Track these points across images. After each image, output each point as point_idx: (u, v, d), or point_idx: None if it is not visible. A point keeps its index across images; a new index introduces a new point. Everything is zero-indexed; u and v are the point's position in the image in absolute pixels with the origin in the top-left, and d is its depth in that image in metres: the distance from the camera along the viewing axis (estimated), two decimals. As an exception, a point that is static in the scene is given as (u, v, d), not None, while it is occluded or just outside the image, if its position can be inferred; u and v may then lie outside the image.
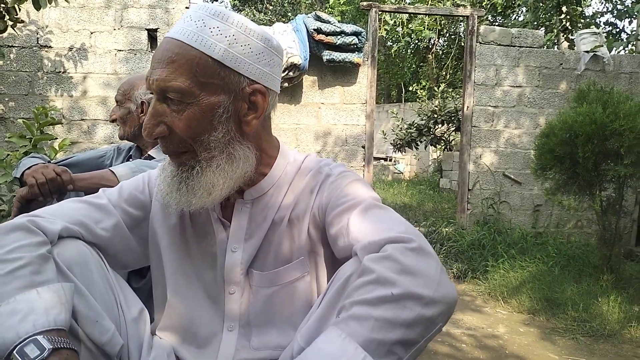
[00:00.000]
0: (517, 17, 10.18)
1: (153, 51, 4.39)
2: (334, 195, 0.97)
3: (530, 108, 5.17)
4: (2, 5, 3.59)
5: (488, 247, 4.53)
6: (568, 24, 7.51)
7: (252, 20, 17.42)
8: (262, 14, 20.16)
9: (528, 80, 5.15)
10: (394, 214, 0.91)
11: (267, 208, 1.02)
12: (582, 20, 7.47)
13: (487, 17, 8.29)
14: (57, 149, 3.20)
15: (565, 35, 7.73)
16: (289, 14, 18.95)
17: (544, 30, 8.44)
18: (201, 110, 0.90)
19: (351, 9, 12.21)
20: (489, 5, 8.13)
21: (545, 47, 5.51)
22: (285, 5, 19.38)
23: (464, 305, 3.68)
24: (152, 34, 4.51)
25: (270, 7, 19.75)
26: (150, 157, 1.87)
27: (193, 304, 1.03)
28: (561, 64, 5.18)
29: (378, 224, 0.86)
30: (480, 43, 5.07)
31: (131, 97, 1.85)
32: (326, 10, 12.73)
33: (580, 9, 7.49)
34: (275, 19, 19.72)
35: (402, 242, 0.78)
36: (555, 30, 7.71)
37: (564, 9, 7.54)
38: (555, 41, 8.63)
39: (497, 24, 12.55)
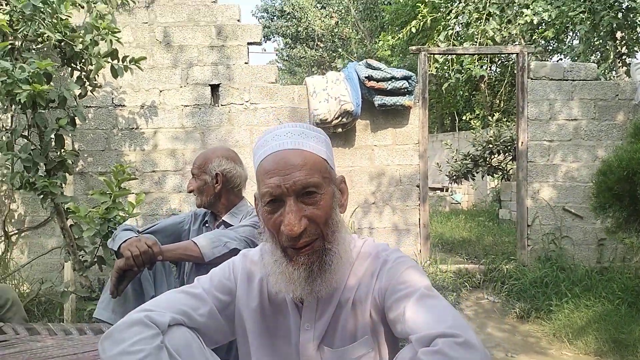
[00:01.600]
0: (570, 43, 10.03)
1: (216, 105, 4.73)
2: (391, 282, 1.12)
3: (587, 141, 5.12)
4: (84, 73, 4.00)
5: (551, 285, 4.46)
6: (624, 49, 7.36)
7: (303, 57, 17.86)
8: (314, 50, 20.78)
9: (583, 113, 5.11)
10: (444, 304, 1.04)
11: (333, 290, 1.17)
12: (639, 45, 7.31)
13: (537, 47, 8.25)
14: (134, 203, 3.51)
15: (621, 61, 7.57)
16: (340, 49, 19.40)
17: (599, 56, 8.29)
18: (329, 198, 1.11)
19: (401, 43, 12.39)
20: (539, 38, 8.09)
21: (599, 78, 5.45)
22: (336, 41, 19.88)
23: (529, 348, 3.65)
24: (214, 89, 4.85)
25: (321, 45, 20.33)
26: (225, 222, 2.08)
27: None
28: (617, 95, 5.12)
29: (430, 315, 1.00)
30: (532, 79, 5.10)
31: (206, 170, 2.08)
32: (376, 45, 12.98)
33: (637, 34, 7.34)
34: (326, 55, 20.26)
35: (450, 336, 0.92)
36: (610, 57, 7.57)
37: (619, 34, 7.41)
38: (612, 67, 8.44)
39: (549, 49, 12.37)
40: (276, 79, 4.96)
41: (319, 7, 20.28)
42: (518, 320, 4.25)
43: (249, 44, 4.93)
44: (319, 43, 20.32)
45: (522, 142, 5.09)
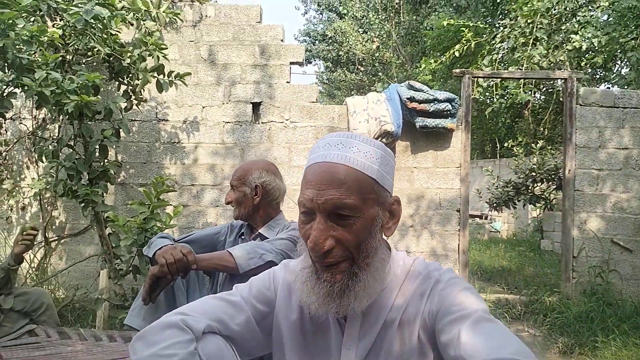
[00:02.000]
0: (619, 71, 9.74)
1: (257, 122, 4.75)
2: (444, 303, 1.04)
3: (638, 171, 4.89)
4: (130, 87, 4.10)
5: (597, 320, 4.22)
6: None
7: (343, 80, 17.92)
8: (354, 74, 20.90)
9: (635, 141, 4.90)
10: (504, 329, 0.96)
11: (379, 309, 1.10)
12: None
13: (586, 73, 8.03)
14: (172, 215, 3.52)
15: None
16: (380, 73, 19.45)
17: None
18: (365, 223, 1.04)
19: (442, 68, 12.30)
20: (587, 65, 7.88)
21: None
22: (377, 65, 19.94)
23: (572, 386, 3.44)
24: (255, 107, 4.88)
25: (362, 69, 20.43)
26: (261, 234, 2.04)
27: None
28: (672, 123, 4.89)
29: (489, 341, 0.92)
30: (581, 105, 4.94)
31: (246, 181, 2.05)
32: (417, 70, 12.94)
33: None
34: (366, 79, 20.33)
35: None
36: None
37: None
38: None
39: (598, 77, 12.05)
40: (317, 98, 4.96)
41: (361, 32, 20.42)
42: (561, 356, 4.02)
43: (291, 63, 4.97)
44: (359, 67, 20.42)
45: (569, 170, 4.91)
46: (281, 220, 2.15)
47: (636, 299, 4.71)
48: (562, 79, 5.16)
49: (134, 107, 4.23)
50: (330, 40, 21.85)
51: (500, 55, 7.47)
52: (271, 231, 2.07)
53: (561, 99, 11.54)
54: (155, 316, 1.73)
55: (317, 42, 23.13)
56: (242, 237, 2.14)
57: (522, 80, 6.78)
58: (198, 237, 2.09)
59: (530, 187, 8.85)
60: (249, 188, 2.06)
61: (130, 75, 4.01)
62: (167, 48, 4.00)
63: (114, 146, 4.39)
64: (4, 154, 4.78)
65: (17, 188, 4.79)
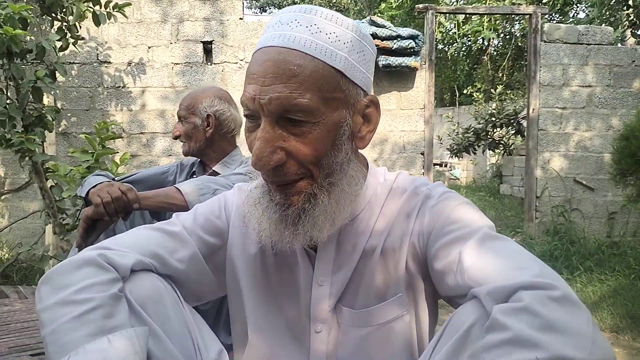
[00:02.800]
0: (575, 14, 9.70)
1: (208, 63, 4.41)
2: (437, 222, 0.82)
3: (601, 109, 4.85)
4: (64, 23, 3.67)
5: (561, 258, 4.24)
6: (636, 19, 7.05)
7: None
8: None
9: (598, 79, 4.83)
10: (519, 247, 0.75)
11: (356, 235, 0.88)
12: (653, 13, 6.99)
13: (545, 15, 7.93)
14: (119, 163, 3.24)
15: (632, 31, 7.28)
16: (338, 21, 18.95)
17: (609, 25, 7.98)
18: (326, 130, 0.77)
19: (401, 13, 12.02)
20: (549, 3, 7.75)
21: (615, 43, 5.16)
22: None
23: (538, 322, 3.44)
24: (207, 47, 4.53)
25: (319, 16, 19.87)
26: (215, 173, 1.80)
27: (275, 343, 0.92)
28: (634, 61, 4.84)
29: (503, 261, 0.70)
30: (545, 42, 4.81)
31: (195, 111, 1.79)
32: (376, 16, 12.61)
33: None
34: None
35: (542, 288, 0.62)
36: (621, 27, 7.26)
37: (631, 2, 7.09)
38: (621, 38, 8.13)
39: (555, 21, 12.04)
40: (273, 36, 4.63)
41: (317, -23, 19.70)
42: (526, 294, 4.04)
43: (244, -2, 4.60)
44: (316, 14, 19.86)
45: (533, 109, 4.82)
46: (237, 156, 1.91)
47: (598, 236, 4.76)
48: (526, 14, 4.99)
49: (71, 46, 3.81)
50: (285, -14, 21.05)
51: (462, -6, 7.25)
52: (227, 168, 1.84)
53: (519, 44, 11.51)
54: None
55: (271, -12, 22.23)
56: (194, 176, 1.90)
57: (484, 19, 6.60)
58: (143, 177, 1.84)
59: (489, 133, 8.86)
60: (200, 118, 1.78)
61: (64, 10, 3.58)
62: (103, -23, 3.58)
63: (51, 91, 3.99)
64: None
65: (-56, 140, 4.33)
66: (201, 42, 4.50)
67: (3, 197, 4.45)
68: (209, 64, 4.51)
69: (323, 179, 0.80)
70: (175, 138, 1.84)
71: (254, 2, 4.53)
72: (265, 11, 23.54)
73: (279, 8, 21.78)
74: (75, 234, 3.48)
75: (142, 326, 0.74)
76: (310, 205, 0.80)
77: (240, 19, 4.55)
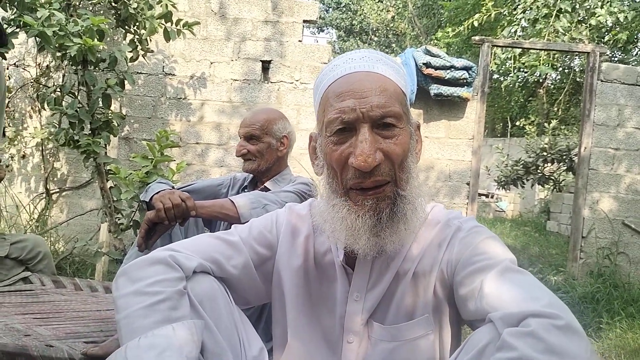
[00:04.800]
0: (639, 53, 9.45)
1: (265, 81, 4.60)
2: (465, 253, 0.92)
3: (657, 152, 4.73)
4: (136, 36, 3.95)
5: (602, 302, 4.14)
6: None
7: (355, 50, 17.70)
8: (367, 44, 20.52)
9: (656, 122, 4.72)
10: (535, 281, 0.84)
11: (390, 258, 0.99)
12: None
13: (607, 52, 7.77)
14: (175, 170, 3.43)
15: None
16: (393, 44, 19.09)
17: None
18: (408, 137, 0.93)
19: (457, 42, 12.01)
20: (610, 41, 7.60)
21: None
22: (390, 36, 19.56)
23: (574, 364, 3.36)
24: (265, 65, 4.72)
25: (375, 39, 20.04)
26: (266, 189, 1.93)
27: (311, 348, 1.02)
28: (696, 105, 4.70)
29: (518, 291, 0.79)
30: (602, 81, 4.75)
31: (269, 131, 1.92)
32: (431, 43, 12.65)
33: None
34: (378, 50, 19.96)
35: (547, 317, 0.71)
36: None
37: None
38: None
39: (616, 59, 11.75)
40: (329, 59, 4.78)
41: (376, 1, 19.96)
42: (564, 336, 3.95)
43: (304, 21, 4.78)
44: (372, 37, 20.05)
45: (585, 148, 4.75)
46: (288, 174, 2.03)
47: (644, 282, 4.61)
48: (584, 52, 4.95)
49: (140, 58, 4.09)
50: (344, 8, 21.40)
51: (520, 26, 7.22)
52: (277, 186, 1.96)
53: (578, 79, 11.28)
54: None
55: (330, 9, 22.65)
56: (245, 190, 2.03)
57: (541, 53, 6.55)
58: (199, 187, 1.98)
59: (540, 167, 8.70)
60: (274, 139, 1.93)
61: (137, 23, 3.85)
62: (176, -4, 3.83)
63: (118, 98, 4.26)
64: (6, 101, 4.66)
65: (19, 137, 4.68)
66: (260, 60, 4.70)
67: (64, 193, 4.75)
68: (266, 82, 4.70)
69: (404, 182, 0.92)
70: (242, 155, 1.95)
71: (310, 23, 4.78)
72: (323, 31, 24.01)
73: (337, 29, 22.17)
74: (128, 233, 3.70)
75: (200, 320, 0.86)
76: (400, 205, 0.92)
77: (299, 41, 4.73)
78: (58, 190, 4.70)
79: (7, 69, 4.58)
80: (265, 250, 1.07)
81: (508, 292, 0.80)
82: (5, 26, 3.39)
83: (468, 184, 4.73)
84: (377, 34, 19.95)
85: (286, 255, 1.07)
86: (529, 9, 6.78)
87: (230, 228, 1.72)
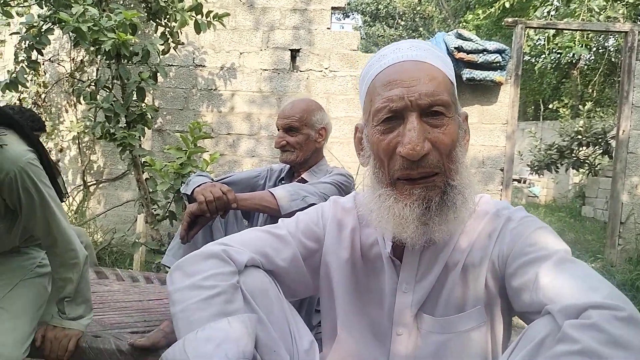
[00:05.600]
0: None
1: (295, 70, 4.60)
2: (517, 244, 0.90)
3: (701, 134, 4.56)
4: (167, 29, 3.98)
5: (643, 288, 4.04)
6: None
7: (381, 35, 17.32)
8: (393, 29, 20.25)
9: (700, 102, 4.55)
10: (592, 271, 0.82)
11: (439, 249, 0.98)
12: None
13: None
14: (209, 161, 3.47)
15: None
16: (420, 28, 18.79)
17: None
18: (456, 126, 0.92)
19: (487, 23, 11.74)
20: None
21: None
22: (417, 20, 19.26)
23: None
24: (294, 54, 4.71)
25: (402, 23, 19.76)
26: (303, 180, 1.93)
27: (360, 340, 1.03)
28: None
29: (576, 282, 0.78)
30: (642, 61, 4.59)
31: (308, 123, 1.92)
32: (460, 25, 12.41)
33: None
34: (405, 35, 19.68)
35: (609, 308, 0.70)
36: None
37: None
38: None
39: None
40: (358, 46, 4.74)
41: (403, -16, 19.64)
42: (603, 323, 3.88)
43: (332, 8, 4.74)
44: (399, 21, 19.77)
45: (623, 131, 4.61)
46: (324, 165, 2.03)
47: (687, 268, 4.48)
48: (622, 32, 4.78)
49: (172, 51, 4.13)
50: (370, -7, 21.13)
51: (554, 7, 7.00)
52: (314, 177, 1.96)
53: (613, 59, 10.91)
54: (193, 256, 1.66)
55: (356, -6, 22.39)
56: (282, 182, 2.04)
57: (576, 34, 6.36)
58: (237, 179, 2.00)
59: (574, 151, 8.49)
60: (313, 130, 1.93)
61: (168, 16, 3.89)
62: (205, -12, 3.85)
63: (151, 90, 4.32)
64: (42, 95, 4.78)
65: (55, 131, 4.80)
66: (289, 49, 4.69)
67: (101, 185, 4.87)
68: (295, 71, 4.70)
69: (454, 172, 0.91)
70: (282, 147, 1.94)
71: (338, 10, 4.74)
72: (348, 17, 23.78)
73: (363, 14, 21.93)
74: (164, 224, 3.77)
75: (253, 314, 0.88)
76: (450, 194, 0.90)
77: (328, 28, 4.70)
78: (95, 182, 4.82)
79: (43, 64, 4.69)
80: (313, 243, 1.08)
81: (566, 284, 0.78)
82: (41, 23, 3.47)
83: (502, 169, 4.65)
84: (403, 18, 19.65)
85: (333, 248, 1.07)
86: (562, -12, 6.58)
87: (269, 220, 1.76)
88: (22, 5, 3.92)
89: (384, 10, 20.22)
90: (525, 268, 0.86)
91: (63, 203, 1.65)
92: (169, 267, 1.76)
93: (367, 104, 0.96)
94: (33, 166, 1.46)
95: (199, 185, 1.64)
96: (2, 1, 3.36)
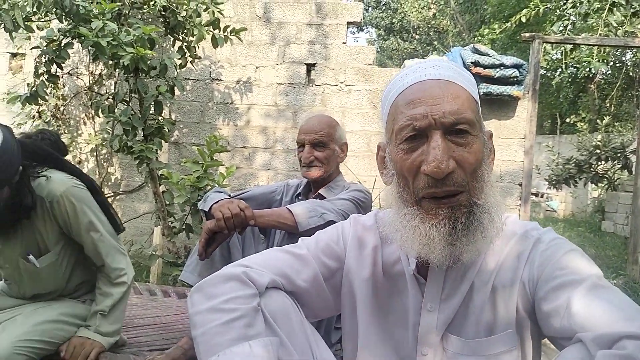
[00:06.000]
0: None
1: (310, 85, 4.61)
2: (548, 266, 0.88)
3: None
4: (185, 44, 4.02)
5: (668, 307, 3.94)
6: None
7: (396, 49, 17.32)
8: (407, 42, 20.28)
9: None
10: (625, 298, 0.80)
11: (465, 268, 0.95)
12: None
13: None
14: (225, 175, 3.47)
15: None
16: (435, 42, 18.80)
17: None
18: (481, 145, 0.90)
19: (503, 38, 11.71)
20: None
21: None
22: (431, 34, 19.28)
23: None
24: (309, 68, 4.73)
25: (416, 37, 19.80)
26: (320, 196, 1.92)
27: None
28: None
29: (610, 310, 0.75)
30: (663, 75, 4.52)
31: (333, 138, 1.93)
32: (475, 39, 12.39)
33: None
34: (420, 48, 19.70)
35: None
36: None
37: None
38: None
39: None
40: (373, 60, 4.75)
41: (417, -2, 19.71)
42: (625, 343, 3.78)
43: (348, 23, 4.76)
44: (413, 35, 19.81)
45: (644, 145, 4.54)
46: (341, 181, 2.02)
47: None
48: (643, 46, 4.73)
49: (189, 65, 4.16)
50: (384, 7, 21.23)
51: (571, 22, 6.95)
52: (331, 192, 1.94)
53: (630, 73, 10.80)
54: (211, 272, 1.65)
55: (370, 8, 22.51)
56: (299, 197, 2.03)
57: (594, 49, 6.30)
58: (254, 195, 1.99)
59: (593, 165, 8.38)
60: (337, 146, 1.94)
61: (186, 30, 3.93)
62: (223, 2, 3.88)
63: (168, 104, 4.36)
64: (61, 108, 4.84)
65: (74, 143, 4.85)
66: (305, 64, 4.71)
67: (118, 197, 4.90)
68: (310, 85, 4.71)
69: (479, 191, 0.89)
70: (309, 163, 1.91)
71: (354, 25, 4.79)
72: (362, 30, 23.89)
73: (377, 28, 22.01)
74: (180, 236, 3.77)
75: (275, 337, 0.86)
76: (476, 213, 0.88)
77: (344, 43, 4.71)
78: (112, 194, 4.85)
79: (62, 77, 4.75)
80: (333, 262, 1.06)
81: (599, 311, 0.76)
82: (61, 37, 3.53)
83: (520, 184, 4.60)
84: (418, 32, 19.69)
85: (354, 266, 1.05)
86: (579, 2, 6.51)
87: (287, 236, 1.74)
88: (42, 20, 3.98)
89: (398, 24, 20.28)
90: (556, 292, 0.84)
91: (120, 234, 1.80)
92: (187, 283, 1.75)
93: (390, 122, 0.95)
94: (76, 189, 1.63)
95: (216, 202, 1.63)
96: (24, 16, 3.42)
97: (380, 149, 1.02)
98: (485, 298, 0.93)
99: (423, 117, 0.87)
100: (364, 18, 21.30)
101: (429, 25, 18.93)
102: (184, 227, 3.56)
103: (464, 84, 0.92)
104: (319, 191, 1.94)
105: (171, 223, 3.75)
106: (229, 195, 1.82)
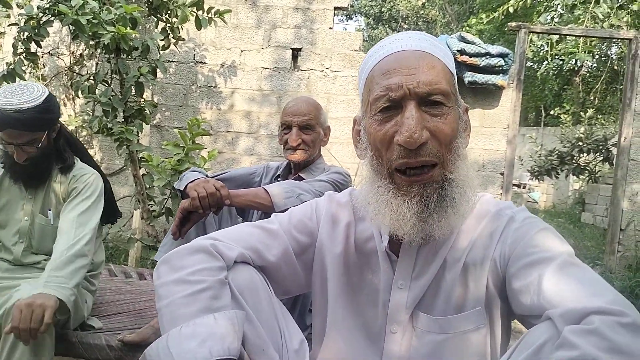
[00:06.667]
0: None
1: (295, 70, 4.57)
2: (520, 244, 0.88)
3: (703, 142, 4.53)
4: (168, 25, 3.95)
5: (642, 296, 4.01)
6: None
7: (384, 38, 17.49)
8: (396, 31, 20.22)
9: (703, 110, 4.52)
10: (596, 276, 0.79)
11: (437, 246, 0.95)
12: None
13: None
14: (207, 158, 3.44)
15: None
16: (423, 32, 18.76)
17: None
18: (456, 117, 0.89)
19: (490, 28, 11.73)
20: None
21: None
22: (420, 24, 19.24)
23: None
24: (295, 53, 4.68)
25: (405, 26, 19.74)
26: (300, 178, 1.90)
27: (351, 338, 1.00)
28: None
29: (579, 287, 0.75)
30: (645, 68, 4.56)
31: (319, 121, 1.91)
32: (463, 29, 12.39)
33: None
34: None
35: (612, 314, 0.67)
36: None
37: None
38: None
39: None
40: (360, 47, 4.71)
41: (406, -12, 19.62)
42: (601, 331, 3.84)
43: (335, 8, 4.72)
44: (402, 24, 19.75)
45: (625, 138, 4.58)
46: (321, 164, 2.00)
47: (686, 277, 4.44)
48: (625, 39, 4.76)
49: (172, 46, 4.09)
50: (373, -4, 21.11)
51: (558, 14, 6.97)
52: (311, 175, 1.93)
53: (615, 67, 10.88)
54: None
55: (359, -3, 22.36)
56: (278, 179, 2.01)
57: (579, 40, 6.33)
58: (232, 176, 1.97)
59: (575, 158, 8.47)
60: (322, 129, 1.93)
61: (169, 11, 3.86)
62: (207, -16, 3.81)
63: (150, 86, 4.29)
64: (41, 89, 4.74)
65: (54, 124, 4.76)
66: (290, 48, 4.66)
67: (98, 180, 4.82)
68: (295, 70, 4.67)
69: (452, 163, 0.88)
70: (296, 146, 1.88)
71: (341, 10, 4.76)
72: (351, 19, 23.75)
73: (366, 16, 21.90)
74: (160, 220, 3.73)
75: (241, 310, 0.85)
76: (448, 189, 0.88)
77: (330, 28, 4.67)
78: (92, 177, 4.77)
79: (42, 57, 4.65)
80: (306, 237, 1.05)
81: (568, 288, 0.76)
82: (40, 14, 3.44)
83: (502, 174, 4.63)
84: (407, 21, 19.63)
85: (327, 242, 1.04)
86: (566, -6, 6.55)
87: (264, 217, 1.72)
88: (22, -4, 3.90)
89: (387, 13, 20.19)
90: (527, 270, 0.83)
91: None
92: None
93: (366, 94, 0.94)
94: (100, 181, 1.97)
95: (192, 181, 1.61)
96: (2, -8, 3.33)
97: (355, 122, 1.01)
98: (456, 276, 0.93)
99: (398, 87, 0.86)
100: (352, 6, 21.15)
101: (418, 15, 18.89)
102: (163, 210, 3.52)
103: (440, 55, 0.91)
104: (299, 173, 1.92)
105: (151, 207, 3.71)
106: (206, 175, 1.79)
